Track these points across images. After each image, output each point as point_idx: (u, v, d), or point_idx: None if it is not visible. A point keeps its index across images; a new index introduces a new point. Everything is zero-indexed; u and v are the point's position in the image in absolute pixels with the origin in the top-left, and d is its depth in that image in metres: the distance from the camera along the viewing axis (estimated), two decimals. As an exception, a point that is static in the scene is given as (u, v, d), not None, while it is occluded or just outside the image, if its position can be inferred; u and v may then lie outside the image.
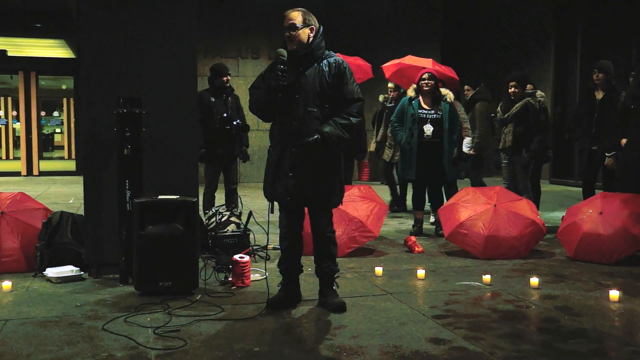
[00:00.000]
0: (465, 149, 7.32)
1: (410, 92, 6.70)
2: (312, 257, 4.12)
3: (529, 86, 7.20)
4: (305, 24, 3.84)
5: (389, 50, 14.31)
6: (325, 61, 3.88)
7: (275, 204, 3.97)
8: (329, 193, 3.92)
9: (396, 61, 8.19)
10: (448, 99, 6.64)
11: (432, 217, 7.24)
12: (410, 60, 8.07)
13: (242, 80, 13.22)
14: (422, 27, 14.80)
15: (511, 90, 6.79)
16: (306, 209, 4.05)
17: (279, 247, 5.41)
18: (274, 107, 3.82)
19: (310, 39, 3.86)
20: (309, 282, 4.41)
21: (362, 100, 3.96)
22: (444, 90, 6.72)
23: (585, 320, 3.79)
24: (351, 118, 3.84)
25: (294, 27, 3.81)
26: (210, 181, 6.79)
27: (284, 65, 3.73)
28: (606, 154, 6.54)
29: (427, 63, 7.78)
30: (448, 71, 8.02)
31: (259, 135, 13.07)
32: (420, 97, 6.62)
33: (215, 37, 13.35)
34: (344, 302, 3.98)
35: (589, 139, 6.82)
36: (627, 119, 6.13)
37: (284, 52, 3.80)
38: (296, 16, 3.83)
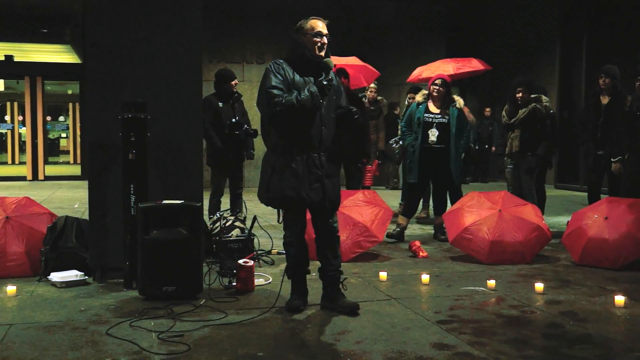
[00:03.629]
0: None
1: (419, 97, 6.72)
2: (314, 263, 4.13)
3: None
4: None
5: (393, 55, 14.36)
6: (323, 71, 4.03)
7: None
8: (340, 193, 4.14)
9: (422, 69, 8.23)
10: (457, 105, 6.65)
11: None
12: (432, 67, 8.14)
13: (247, 85, 13.24)
14: (427, 31, 14.81)
15: (519, 95, 6.79)
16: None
17: (283, 251, 5.42)
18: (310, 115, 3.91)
19: None
20: (312, 287, 4.40)
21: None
22: (455, 97, 6.73)
23: (591, 326, 3.77)
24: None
25: (328, 37, 3.96)
26: (217, 187, 6.77)
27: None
28: (612, 159, 6.52)
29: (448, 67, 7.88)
30: (472, 63, 8.10)
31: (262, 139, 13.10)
32: (430, 102, 6.63)
33: (220, 42, 13.39)
34: (356, 303, 4.03)
35: (595, 144, 6.80)
36: (634, 125, 6.09)
37: (331, 62, 3.96)
38: (326, 26, 3.98)
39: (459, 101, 6.71)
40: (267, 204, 4.01)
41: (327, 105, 3.96)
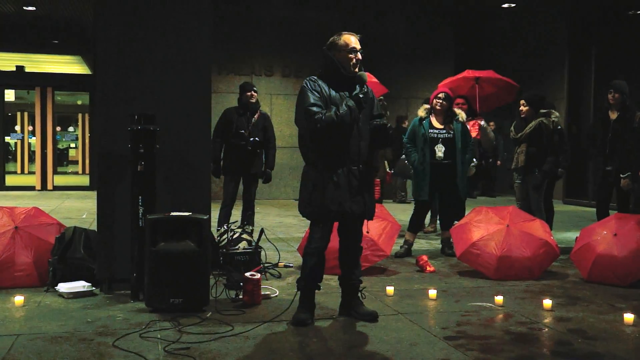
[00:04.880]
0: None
1: (421, 112, 6.69)
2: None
3: None
4: None
5: (402, 68, 14.38)
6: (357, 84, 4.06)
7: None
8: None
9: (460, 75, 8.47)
10: (460, 119, 6.65)
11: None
12: (468, 73, 8.35)
13: (255, 97, 13.28)
14: (435, 45, 14.84)
15: (520, 109, 6.82)
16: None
17: (290, 265, 5.43)
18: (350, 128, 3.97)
19: None
20: (318, 302, 4.39)
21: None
22: (457, 111, 6.73)
23: (599, 344, 3.73)
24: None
25: (361, 52, 4.01)
26: (227, 197, 6.83)
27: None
28: (621, 175, 6.49)
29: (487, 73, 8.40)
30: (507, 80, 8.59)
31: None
32: (433, 116, 6.63)
33: (229, 55, 13.45)
34: (375, 311, 4.14)
35: (603, 159, 6.78)
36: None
37: (365, 75, 4.02)
38: (359, 41, 4.03)
39: (461, 115, 6.73)
40: (308, 218, 4.08)
41: (363, 118, 4.01)
